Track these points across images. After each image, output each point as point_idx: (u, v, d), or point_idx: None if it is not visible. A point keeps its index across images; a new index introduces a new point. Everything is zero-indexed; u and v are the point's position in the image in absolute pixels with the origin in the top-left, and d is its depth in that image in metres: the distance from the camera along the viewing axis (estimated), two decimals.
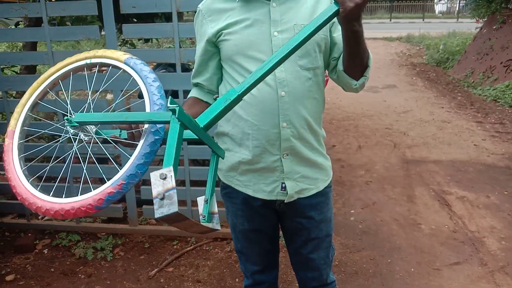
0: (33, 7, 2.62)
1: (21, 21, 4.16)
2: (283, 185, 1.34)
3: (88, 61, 1.18)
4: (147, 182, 3.52)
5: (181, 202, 3.15)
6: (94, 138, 1.10)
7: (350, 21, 1.11)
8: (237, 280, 2.48)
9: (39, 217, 3.15)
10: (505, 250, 2.73)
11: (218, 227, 1.06)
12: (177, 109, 0.92)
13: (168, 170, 0.84)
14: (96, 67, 1.20)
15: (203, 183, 2.76)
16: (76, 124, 1.06)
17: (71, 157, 1.13)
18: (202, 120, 1.05)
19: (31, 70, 3.66)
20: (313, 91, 1.31)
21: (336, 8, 1.10)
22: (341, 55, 1.27)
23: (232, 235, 1.57)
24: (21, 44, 5.55)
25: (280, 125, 1.27)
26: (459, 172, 4.04)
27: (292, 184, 1.35)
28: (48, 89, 1.21)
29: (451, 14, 28.73)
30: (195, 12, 1.37)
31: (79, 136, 1.09)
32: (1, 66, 2.83)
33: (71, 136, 1.10)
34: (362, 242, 2.86)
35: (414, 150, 4.65)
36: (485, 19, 8.85)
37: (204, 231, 1.05)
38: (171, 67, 3.45)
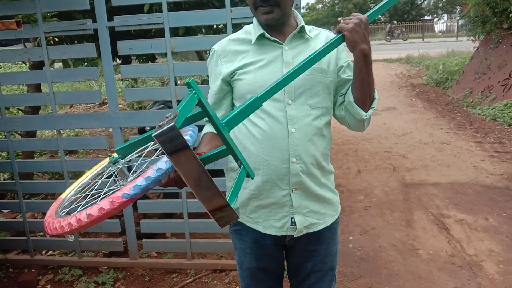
0: (35, 52, 2.76)
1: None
2: (293, 220, 1.40)
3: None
4: (148, 216, 3.58)
5: (181, 235, 3.20)
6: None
7: (357, 42, 1.24)
8: None
9: (43, 253, 3.22)
10: (503, 274, 2.74)
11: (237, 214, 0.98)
12: (193, 84, 0.99)
13: (175, 114, 0.91)
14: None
15: (201, 215, 2.78)
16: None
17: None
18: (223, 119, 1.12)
19: (35, 109, 3.80)
20: (321, 128, 1.39)
21: (340, 34, 1.26)
22: (349, 88, 1.36)
23: (238, 272, 1.62)
24: None
25: (289, 160, 1.34)
26: (458, 194, 4.06)
27: (301, 218, 1.40)
28: None
29: (451, 33, 29.06)
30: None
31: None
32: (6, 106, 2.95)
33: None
34: (360, 270, 2.88)
35: (413, 173, 4.69)
36: (481, 39, 8.98)
37: (216, 202, 0.92)
38: (169, 102, 3.56)
